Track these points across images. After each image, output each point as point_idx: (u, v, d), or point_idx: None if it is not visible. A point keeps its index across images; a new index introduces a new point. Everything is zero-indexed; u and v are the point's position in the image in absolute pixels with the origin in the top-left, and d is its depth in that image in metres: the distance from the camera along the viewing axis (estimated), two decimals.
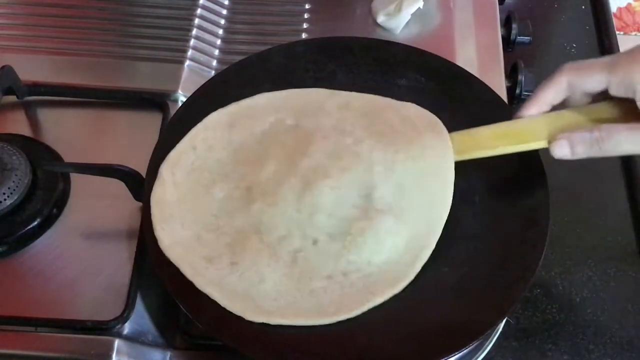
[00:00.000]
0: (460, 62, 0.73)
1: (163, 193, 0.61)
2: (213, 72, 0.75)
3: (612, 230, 0.69)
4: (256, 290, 0.56)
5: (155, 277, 0.59)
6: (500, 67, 0.76)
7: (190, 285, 0.57)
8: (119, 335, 0.58)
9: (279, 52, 0.71)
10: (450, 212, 0.60)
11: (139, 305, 0.60)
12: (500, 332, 0.62)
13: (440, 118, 0.64)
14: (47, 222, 0.64)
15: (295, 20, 0.80)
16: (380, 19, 0.79)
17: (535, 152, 0.63)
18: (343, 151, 0.61)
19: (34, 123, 0.72)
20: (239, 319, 0.55)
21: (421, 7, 0.78)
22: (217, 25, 0.80)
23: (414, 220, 0.59)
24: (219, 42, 0.79)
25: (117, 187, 0.62)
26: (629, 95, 0.54)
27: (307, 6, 0.82)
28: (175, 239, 0.58)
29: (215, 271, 0.57)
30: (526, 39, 0.79)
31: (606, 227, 0.69)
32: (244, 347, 0.54)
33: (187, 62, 0.75)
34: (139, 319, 0.59)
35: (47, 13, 0.79)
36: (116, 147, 0.69)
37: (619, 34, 0.85)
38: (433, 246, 0.58)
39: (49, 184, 0.65)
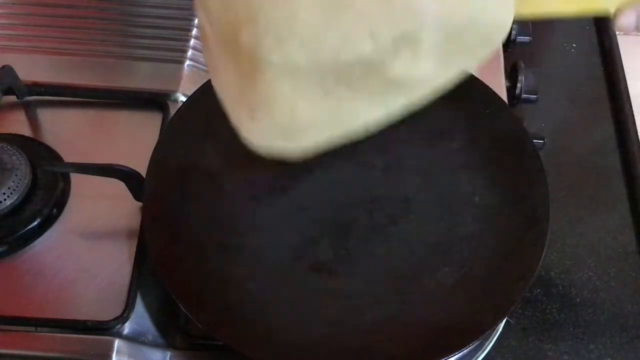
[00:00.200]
0: None
1: None
2: None
3: (612, 230, 0.69)
4: None
5: (155, 277, 0.59)
6: (500, 67, 0.76)
7: (190, 285, 0.57)
8: (119, 335, 0.58)
9: None
10: (450, 212, 0.60)
11: (139, 305, 0.60)
12: (500, 332, 0.62)
13: (439, 118, 0.64)
14: (47, 222, 0.64)
15: None
16: None
17: (535, 152, 0.63)
18: None
19: (34, 123, 0.72)
20: (239, 319, 0.55)
21: None
22: None
23: None
24: None
25: (117, 187, 0.62)
26: None
27: None
28: None
29: None
30: (526, 39, 0.79)
31: (606, 227, 0.69)
32: (244, 347, 0.54)
33: (187, 62, 0.75)
34: (139, 319, 0.59)
35: (47, 13, 0.79)
36: (116, 147, 0.69)
37: (619, 34, 0.85)
38: None
39: (49, 184, 0.65)
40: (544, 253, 0.57)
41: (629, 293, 0.65)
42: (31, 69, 0.72)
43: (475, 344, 0.56)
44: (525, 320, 0.63)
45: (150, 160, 0.63)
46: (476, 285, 0.57)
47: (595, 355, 0.62)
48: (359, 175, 0.64)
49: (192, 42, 0.77)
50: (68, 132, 0.70)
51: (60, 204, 0.65)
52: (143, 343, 0.59)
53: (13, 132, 0.69)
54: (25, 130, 0.70)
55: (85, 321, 0.57)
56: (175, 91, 0.72)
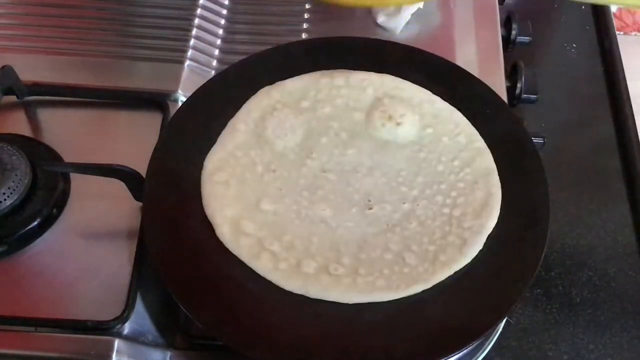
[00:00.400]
0: (460, 62, 0.73)
1: None
2: (213, 72, 0.75)
3: (612, 230, 0.69)
4: None
5: (155, 277, 0.59)
6: (500, 67, 0.76)
7: (190, 285, 0.57)
8: (119, 335, 0.58)
9: (279, 52, 0.71)
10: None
11: (139, 305, 0.60)
12: (500, 332, 0.62)
13: None
14: (47, 222, 0.64)
15: (295, 20, 0.80)
16: (380, 19, 0.79)
17: (535, 152, 0.63)
18: None
19: (34, 123, 0.72)
20: (239, 319, 0.55)
21: (421, 7, 0.78)
22: (217, 25, 0.80)
23: None
24: (219, 42, 0.79)
25: (117, 187, 0.62)
26: None
27: (307, 6, 0.82)
28: None
29: None
30: (526, 39, 0.79)
31: (606, 227, 0.69)
32: (244, 347, 0.54)
33: (187, 62, 0.75)
34: (139, 319, 0.59)
35: (47, 13, 0.79)
36: (116, 147, 0.69)
37: (619, 34, 0.85)
38: None
39: (49, 184, 0.65)
40: (544, 253, 0.57)
41: (629, 293, 0.65)
42: (31, 69, 0.72)
43: (475, 344, 0.56)
44: (525, 320, 0.63)
45: (150, 160, 0.63)
46: (476, 285, 0.57)
47: (595, 355, 0.62)
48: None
49: (192, 42, 0.77)
50: (68, 132, 0.70)
51: (60, 204, 0.65)
52: (143, 343, 0.59)
53: (13, 132, 0.69)
54: (25, 130, 0.70)
55: (85, 321, 0.57)
56: (175, 91, 0.72)
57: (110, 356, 0.56)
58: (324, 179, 0.63)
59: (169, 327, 0.60)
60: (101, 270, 0.61)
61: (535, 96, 0.74)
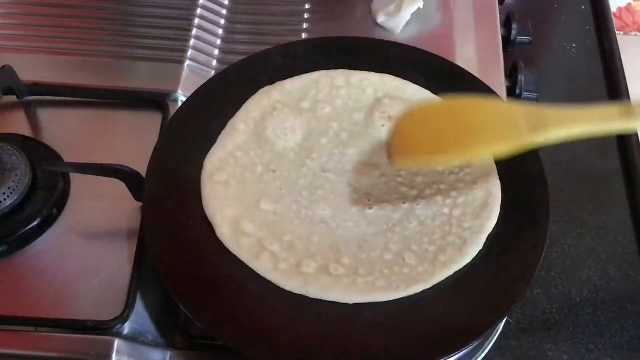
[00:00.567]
0: (460, 62, 0.73)
1: None
2: (213, 72, 0.75)
3: (612, 230, 0.69)
4: None
5: (155, 277, 0.59)
6: (500, 67, 0.76)
7: (190, 285, 0.57)
8: (119, 335, 0.58)
9: (279, 52, 0.71)
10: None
11: (139, 305, 0.60)
12: (500, 332, 0.62)
13: None
14: (47, 222, 0.64)
15: (295, 20, 0.80)
16: (380, 19, 0.79)
17: (535, 152, 0.63)
18: None
19: (34, 123, 0.72)
20: (239, 319, 0.55)
21: (421, 7, 0.78)
22: (217, 25, 0.80)
23: None
24: (219, 42, 0.79)
25: (117, 187, 0.62)
26: None
27: (307, 6, 0.82)
28: None
29: None
30: (526, 39, 0.79)
31: (606, 227, 0.69)
32: (244, 347, 0.54)
33: (187, 62, 0.75)
34: (139, 319, 0.59)
35: (47, 13, 0.79)
36: (116, 147, 0.69)
37: (619, 34, 0.85)
38: None
39: (49, 184, 0.65)
40: (544, 253, 0.57)
41: (629, 293, 0.65)
42: (31, 69, 0.72)
43: (475, 344, 0.56)
44: (525, 320, 0.63)
45: (150, 160, 0.63)
46: (476, 285, 0.57)
47: (595, 355, 0.62)
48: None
49: (192, 42, 0.77)
50: (68, 132, 0.70)
51: (60, 204, 0.65)
52: (143, 343, 0.59)
53: (13, 132, 0.69)
54: (25, 130, 0.70)
55: (85, 321, 0.57)
56: (175, 91, 0.72)
57: (110, 356, 0.56)
58: (324, 179, 0.63)
59: (169, 327, 0.60)
60: (101, 270, 0.61)
61: (535, 96, 0.74)
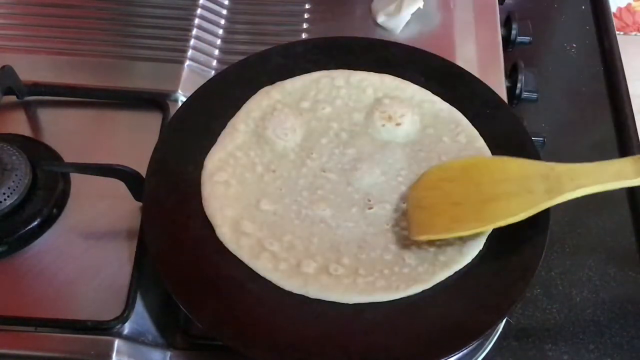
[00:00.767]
0: (460, 62, 0.73)
1: None
2: (213, 72, 0.75)
3: (612, 230, 0.69)
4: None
5: (155, 277, 0.59)
6: (500, 67, 0.76)
7: (190, 285, 0.57)
8: (119, 335, 0.58)
9: (279, 52, 0.71)
10: None
11: (139, 305, 0.60)
12: (500, 332, 0.62)
13: None
14: (47, 222, 0.64)
15: (295, 20, 0.80)
16: (380, 19, 0.79)
17: (535, 152, 0.63)
18: None
19: (34, 123, 0.72)
20: (239, 318, 0.55)
21: (421, 7, 0.78)
22: (217, 25, 0.80)
23: None
24: (219, 42, 0.79)
25: (117, 187, 0.62)
26: None
27: (307, 6, 0.82)
28: None
29: None
30: (526, 39, 0.79)
31: (606, 227, 0.69)
32: (244, 347, 0.54)
33: (187, 62, 0.75)
34: (139, 319, 0.59)
35: (47, 13, 0.79)
36: (116, 147, 0.69)
37: (619, 34, 0.85)
38: None
39: (49, 184, 0.65)
40: (544, 253, 0.57)
41: (629, 293, 0.65)
42: (31, 69, 0.72)
43: (475, 344, 0.56)
44: (525, 320, 0.63)
45: (150, 160, 0.63)
46: (476, 285, 0.57)
47: (595, 355, 0.62)
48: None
49: (192, 42, 0.77)
50: (68, 132, 0.70)
51: (60, 204, 0.65)
52: (143, 343, 0.59)
53: (13, 132, 0.69)
54: (25, 130, 0.70)
55: (85, 321, 0.57)
56: (175, 91, 0.72)
57: (110, 356, 0.56)
58: (324, 178, 0.63)
59: (169, 327, 0.60)
60: (101, 270, 0.61)
61: (535, 96, 0.74)
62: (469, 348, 0.55)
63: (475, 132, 0.65)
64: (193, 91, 0.68)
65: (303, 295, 0.57)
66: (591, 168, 0.57)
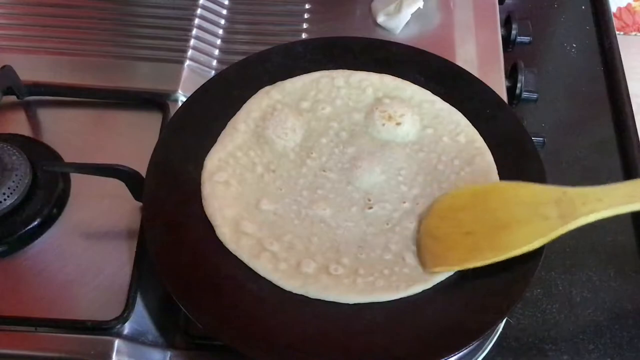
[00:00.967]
0: (460, 62, 0.73)
1: None
2: (213, 72, 0.75)
3: (612, 230, 0.69)
4: None
5: (155, 277, 0.59)
6: (500, 67, 0.76)
7: (190, 285, 0.57)
8: (119, 335, 0.58)
9: (279, 52, 0.71)
10: None
11: (139, 305, 0.60)
12: (500, 332, 0.62)
13: None
14: (47, 222, 0.64)
15: (295, 20, 0.80)
16: (380, 19, 0.79)
17: (535, 152, 0.63)
18: None
19: (34, 123, 0.72)
20: (239, 318, 0.55)
21: (421, 7, 0.78)
22: (217, 25, 0.80)
23: None
24: (219, 42, 0.79)
25: (117, 187, 0.62)
26: None
27: (307, 6, 0.82)
28: None
29: None
30: (526, 39, 0.79)
31: (606, 227, 0.69)
32: (244, 347, 0.54)
33: (187, 62, 0.75)
34: (139, 319, 0.59)
35: (47, 13, 0.79)
36: (116, 147, 0.69)
37: (619, 34, 0.85)
38: None
39: (49, 184, 0.65)
40: (544, 253, 0.57)
41: (629, 293, 0.65)
42: (31, 69, 0.72)
43: (475, 344, 0.56)
44: (525, 320, 0.63)
45: (150, 160, 0.63)
46: (476, 285, 0.57)
47: (595, 356, 0.62)
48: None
49: (192, 42, 0.77)
50: (68, 132, 0.70)
51: (60, 204, 0.65)
52: (143, 343, 0.59)
53: (13, 132, 0.69)
54: (25, 130, 0.70)
55: (85, 321, 0.57)
56: (175, 91, 0.72)
57: (110, 356, 0.56)
58: (323, 178, 0.63)
59: (169, 327, 0.60)
60: (101, 270, 0.61)
61: (535, 96, 0.74)
62: (469, 348, 0.55)
63: (475, 132, 0.65)
64: (193, 91, 0.68)
65: (303, 295, 0.57)
66: (602, 191, 0.56)
